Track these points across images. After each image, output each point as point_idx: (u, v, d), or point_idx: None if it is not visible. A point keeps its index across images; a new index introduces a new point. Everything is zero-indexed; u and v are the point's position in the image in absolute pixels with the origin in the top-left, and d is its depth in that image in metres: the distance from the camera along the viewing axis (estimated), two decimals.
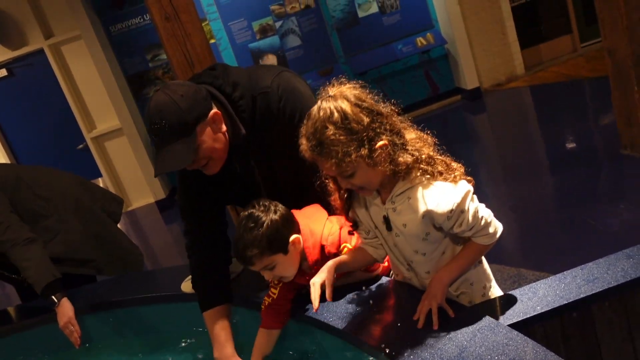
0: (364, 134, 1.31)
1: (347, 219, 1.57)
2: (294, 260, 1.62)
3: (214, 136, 1.63)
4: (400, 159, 1.35)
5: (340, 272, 1.57)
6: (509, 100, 6.28)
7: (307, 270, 1.67)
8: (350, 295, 1.65)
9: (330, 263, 1.52)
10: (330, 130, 1.29)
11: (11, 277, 2.66)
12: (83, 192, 2.81)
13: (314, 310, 1.47)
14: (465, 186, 1.38)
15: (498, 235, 1.44)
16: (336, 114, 1.30)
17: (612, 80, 3.70)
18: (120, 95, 6.28)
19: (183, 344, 2.10)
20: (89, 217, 2.74)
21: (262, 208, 1.59)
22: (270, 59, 6.57)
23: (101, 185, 6.88)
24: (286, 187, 1.85)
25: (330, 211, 1.69)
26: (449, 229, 1.40)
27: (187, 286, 2.13)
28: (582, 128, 4.95)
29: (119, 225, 2.97)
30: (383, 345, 1.38)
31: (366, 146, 1.31)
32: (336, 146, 1.30)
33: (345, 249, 1.64)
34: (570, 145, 4.68)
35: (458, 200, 1.35)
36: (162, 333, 2.19)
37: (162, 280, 2.38)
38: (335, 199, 1.55)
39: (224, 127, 1.66)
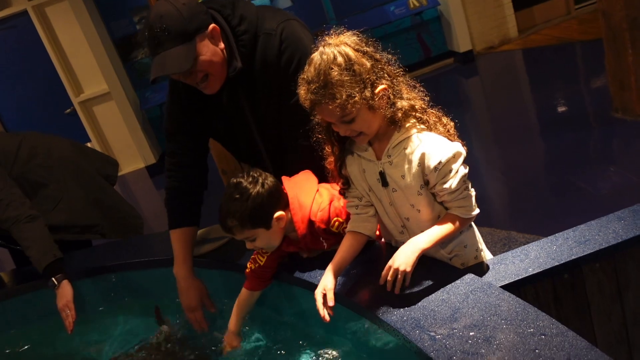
0: (367, 76, 1.32)
1: (340, 176, 1.56)
2: (276, 234, 1.63)
3: (213, 50, 1.67)
4: (399, 104, 1.38)
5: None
6: (502, 64, 6.23)
7: (296, 240, 1.68)
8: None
9: (328, 271, 1.49)
10: (335, 71, 1.31)
11: (15, 249, 2.67)
12: (80, 156, 2.80)
13: (325, 321, 1.43)
14: (459, 147, 1.39)
15: (474, 214, 1.45)
16: (340, 57, 1.31)
17: (605, 43, 3.67)
18: (108, 59, 6.17)
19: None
20: (88, 182, 2.73)
21: (250, 179, 1.58)
22: None
23: None
24: (270, 135, 1.88)
25: (319, 172, 1.69)
26: (432, 184, 1.40)
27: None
28: (574, 91, 4.94)
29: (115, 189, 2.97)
30: (374, 307, 1.39)
31: (369, 88, 1.33)
32: (341, 87, 1.30)
33: (337, 224, 1.62)
34: (562, 109, 4.67)
35: (449, 155, 1.36)
36: (159, 297, 2.20)
37: (157, 245, 2.38)
38: (330, 162, 1.55)
39: (221, 45, 1.70)
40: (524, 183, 3.68)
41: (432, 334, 1.25)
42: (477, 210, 1.45)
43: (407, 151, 1.40)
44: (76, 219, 2.60)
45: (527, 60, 6.15)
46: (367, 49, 1.36)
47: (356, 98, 1.31)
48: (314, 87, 1.33)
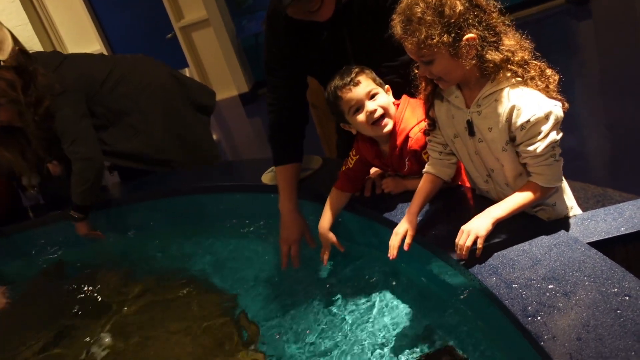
0: (455, 20, 1.26)
1: (427, 117, 1.55)
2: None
3: None
4: (489, 56, 1.30)
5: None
6: (621, 6, 5.66)
7: (384, 153, 1.73)
8: (428, 205, 1.63)
9: (410, 214, 1.51)
10: (420, 7, 1.26)
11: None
12: (176, 86, 2.87)
13: (391, 258, 1.49)
14: (555, 107, 1.30)
15: (556, 184, 1.37)
16: None
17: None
18: None
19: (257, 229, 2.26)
20: (175, 115, 2.81)
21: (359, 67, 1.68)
22: None
23: (189, 75, 7.08)
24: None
25: None
26: (518, 143, 1.34)
27: (267, 177, 2.22)
28: None
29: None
30: (452, 249, 1.39)
31: (452, 34, 1.27)
32: (421, 25, 1.26)
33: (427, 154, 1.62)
34: None
35: (541, 114, 1.28)
36: (245, 219, 2.33)
37: (244, 171, 2.49)
38: (421, 99, 1.54)
39: None
40: (629, 139, 3.41)
41: (509, 282, 1.24)
42: (560, 182, 1.38)
43: (498, 104, 1.34)
44: (152, 152, 2.73)
45: None
46: None
47: (434, 40, 1.26)
48: (400, 18, 1.30)
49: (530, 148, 1.31)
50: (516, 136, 1.34)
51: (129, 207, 2.66)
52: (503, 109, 1.33)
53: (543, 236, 1.34)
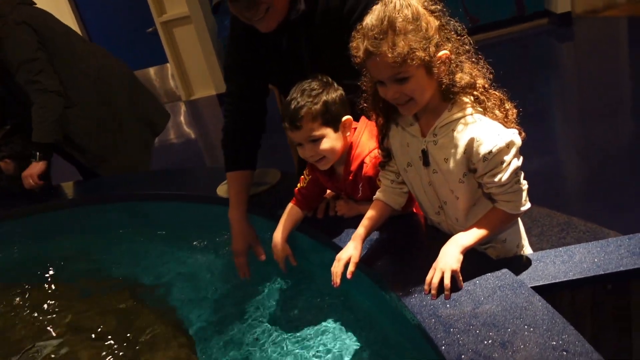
0: (433, 34, 1.21)
1: (381, 148, 1.49)
2: (340, 141, 1.59)
3: None
4: (457, 77, 1.26)
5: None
6: (602, 31, 5.70)
7: (338, 176, 1.67)
8: (379, 232, 1.58)
9: (356, 240, 1.44)
10: (401, 19, 1.19)
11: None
12: (131, 93, 2.87)
13: (335, 286, 1.41)
14: (514, 136, 1.25)
15: (523, 210, 1.32)
16: (407, 9, 1.20)
17: None
18: None
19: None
20: (112, 109, 2.81)
21: (324, 80, 1.59)
22: None
23: (169, 72, 6.98)
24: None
25: None
26: (480, 174, 1.29)
27: (223, 190, 2.15)
28: None
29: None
30: (396, 283, 1.34)
31: (432, 48, 1.21)
32: (404, 36, 1.18)
33: None
34: None
35: (502, 144, 1.23)
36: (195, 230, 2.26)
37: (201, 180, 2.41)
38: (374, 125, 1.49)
39: None
40: (599, 166, 3.39)
41: (449, 325, 1.18)
42: (527, 206, 1.32)
43: (455, 133, 1.28)
44: (80, 127, 2.71)
45: (633, 30, 5.58)
46: (436, 7, 1.24)
47: (417, 52, 1.18)
48: (373, 33, 1.20)
49: (495, 179, 1.26)
50: (477, 168, 1.28)
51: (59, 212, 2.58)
52: (461, 140, 1.28)
53: (489, 276, 1.29)
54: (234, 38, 1.86)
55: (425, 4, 1.23)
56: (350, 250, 1.42)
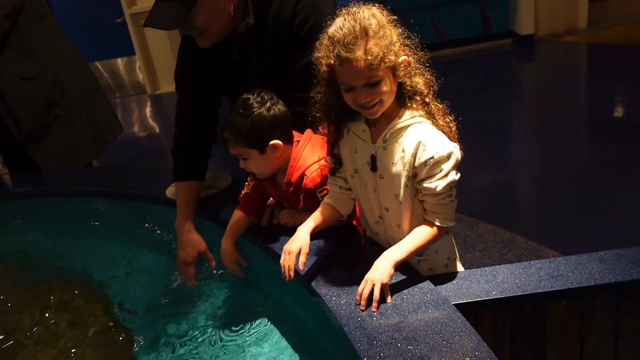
0: (396, 41, 1.29)
1: (331, 155, 1.53)
2: (268, 161, 1.63)
3: (217, 9, 1.62)
4: (414, 80, 1.35)
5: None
6: (563, 54, 5.90)
7: (280, 185, 1.70)
8: (317, 241, 1.62)
9: (304, 231, 1.46)
10: (374, 25, 1.26)
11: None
12: (89, 98, 2.90)
13: (288, 280, 1.40)
14: (456, 150, 1.34)
15: (449, 225, 1.40)
16: (373, 19, 1.27)
17: None
18: None
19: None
20: (70, 92, 2.82)
21: (259, 99, 1.59)
22: None
23: (137, 64, 6.89)
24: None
25: None
26: (419, 179, 1.35)
27: (171, 191, 2.16)
28: (636, 100, 4.59)
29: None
30: (328, 293, 1.38)
31: (397, 54, 1.29)
32: (379, 40, 1.26)
33: (324, 192, 1.61)
34: (617, 115, 4.38)
35: (444, 153, 1.31)
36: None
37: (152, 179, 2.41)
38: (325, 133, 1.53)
39: (231, 7, 1.64)
40: (548, 186, 3.53)
41: (372, 338, 1.23)
42: (453, 222, 1.40)
43: (403, 139, 1.36)
44: (37, 101, 2.72)
45: (592, 56, 5.80)
46: (393, 18, 1.32)
47: (389, 56, 1.26)
48: (346, 39, 1.25)
49: (432, 185, 1.33)
50: (418, 172, 1.35)
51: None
52: (409, 144, 1.35)
53: (416, 291, 1.35)
54: (182, 47, 1.86)
55: (385, 14, 1.31)
56: (299, 242, 1.43)
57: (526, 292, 1.34)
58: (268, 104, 1.59)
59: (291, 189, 1.66)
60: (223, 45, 1.74)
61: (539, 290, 1.34)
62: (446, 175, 1.32)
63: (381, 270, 1.33)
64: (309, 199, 1.64)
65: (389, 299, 1.32)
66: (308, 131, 1.68)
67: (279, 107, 1.61)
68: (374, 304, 1.31)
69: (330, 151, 1.53)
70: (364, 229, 1.64)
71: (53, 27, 2.76)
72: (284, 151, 1.63)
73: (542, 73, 5.88)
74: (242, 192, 1.80)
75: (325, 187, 1.62)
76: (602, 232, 2.83)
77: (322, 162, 1.62)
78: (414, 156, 1.34)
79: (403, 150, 1.36)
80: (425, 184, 1.34)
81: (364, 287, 1.33)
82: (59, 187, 2.53)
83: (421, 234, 1.38)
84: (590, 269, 1.37)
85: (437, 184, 1.33)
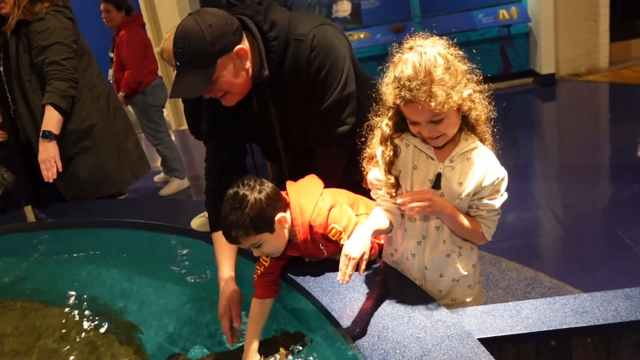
0: (462, 78, 1.35)
1: (388, 175, 1.49)
2: (280, 237, 1.62)
3: (235, 71, 1.67)
4: (478, 112, 1.42)
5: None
6: (584, 94, 5.92)
7: (298, 246, 1.68)
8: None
9: (366, 234, 1.40)
10: (439, 70, 1.31)
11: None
12: (123, 136, 3.05)
13: (343, 283, 1.33)
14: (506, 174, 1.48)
15: (489, 239, 1.53)
16: (440, 58, 1.32)
17: None
18: None
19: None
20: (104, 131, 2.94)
21: (246, 187, 1.56)
22: (345, 5, 6.41)
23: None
24: (292, 140, 1.89)
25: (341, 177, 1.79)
26: (481, 196, 1.47)
27: (196, 223, 2.20)
28: None
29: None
30: (351, 330, 1.39)
31: (461, 91, 1.34)
32: (443, 86, 1.31)
33: (334, 230, 1.59)
34: (639, 156, 4.37)
35: (503, 175, 1.46)
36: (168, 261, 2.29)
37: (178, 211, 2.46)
38: (367, 163, 1.56)
39: (248, 64, 1.69)
40: (571, 225, 3.50)
41: None
42: (490, 239, 1.53)
43: (471, 161, 1.45)
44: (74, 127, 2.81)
45: (613, 95, 5.81)
46: (458, 52, 1.38)
47: (454, 98, 1.32)
48: (412, 84, 1.31)
49: (492, 202, 1.47)
50: (481, 191, 1.46)
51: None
52: (479, 166, 1.45)
53: (439, 325, 1.35)
54: (207, 104, 1.87)
55: (451, 50, 1.36)
56: (362, 247, 1.36)
57: (551, 328, 1.33)
58: (257, 187, 1.57)
59: (309, 244, 1.64)
60: (244, 99, 1.78)
61: (564, 327, 1.33)
62: (502, 195, 1.48)
63: (442, 205, 1.45)
64: (329, 244, 1.64)
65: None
66: (289, 184, 1.69)
67: (265, 184, 1.59)
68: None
69: (388, 172, 1.49)
70: (391, 252, 1.64)
71: (93, 65, 2.89)
72: (287, 218, 1.62)
73: (563, 112, 5.88)
74: (258, 273, 1.72)
75: (334, 225, 1.59)
76: (627, 272, 2.79)
77: (320, 201, 1.63)
78: (483, 177, 1.45)
79: (473, 171, 1.45)
80: (486, 201, 1.47)
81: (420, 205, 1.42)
82: (94, 217, 2.59)
83: (472, 224, 1.49)
84: (616, 305, 1.36)
85: (496, 202, 1.47)
